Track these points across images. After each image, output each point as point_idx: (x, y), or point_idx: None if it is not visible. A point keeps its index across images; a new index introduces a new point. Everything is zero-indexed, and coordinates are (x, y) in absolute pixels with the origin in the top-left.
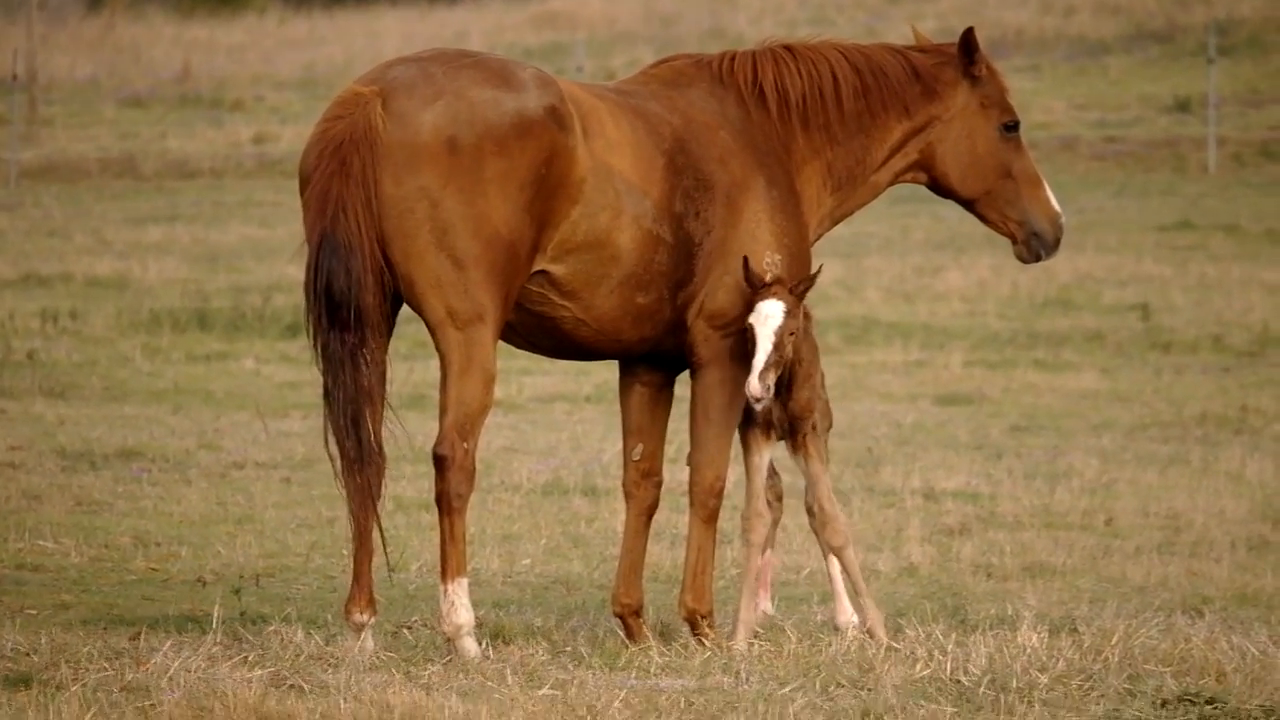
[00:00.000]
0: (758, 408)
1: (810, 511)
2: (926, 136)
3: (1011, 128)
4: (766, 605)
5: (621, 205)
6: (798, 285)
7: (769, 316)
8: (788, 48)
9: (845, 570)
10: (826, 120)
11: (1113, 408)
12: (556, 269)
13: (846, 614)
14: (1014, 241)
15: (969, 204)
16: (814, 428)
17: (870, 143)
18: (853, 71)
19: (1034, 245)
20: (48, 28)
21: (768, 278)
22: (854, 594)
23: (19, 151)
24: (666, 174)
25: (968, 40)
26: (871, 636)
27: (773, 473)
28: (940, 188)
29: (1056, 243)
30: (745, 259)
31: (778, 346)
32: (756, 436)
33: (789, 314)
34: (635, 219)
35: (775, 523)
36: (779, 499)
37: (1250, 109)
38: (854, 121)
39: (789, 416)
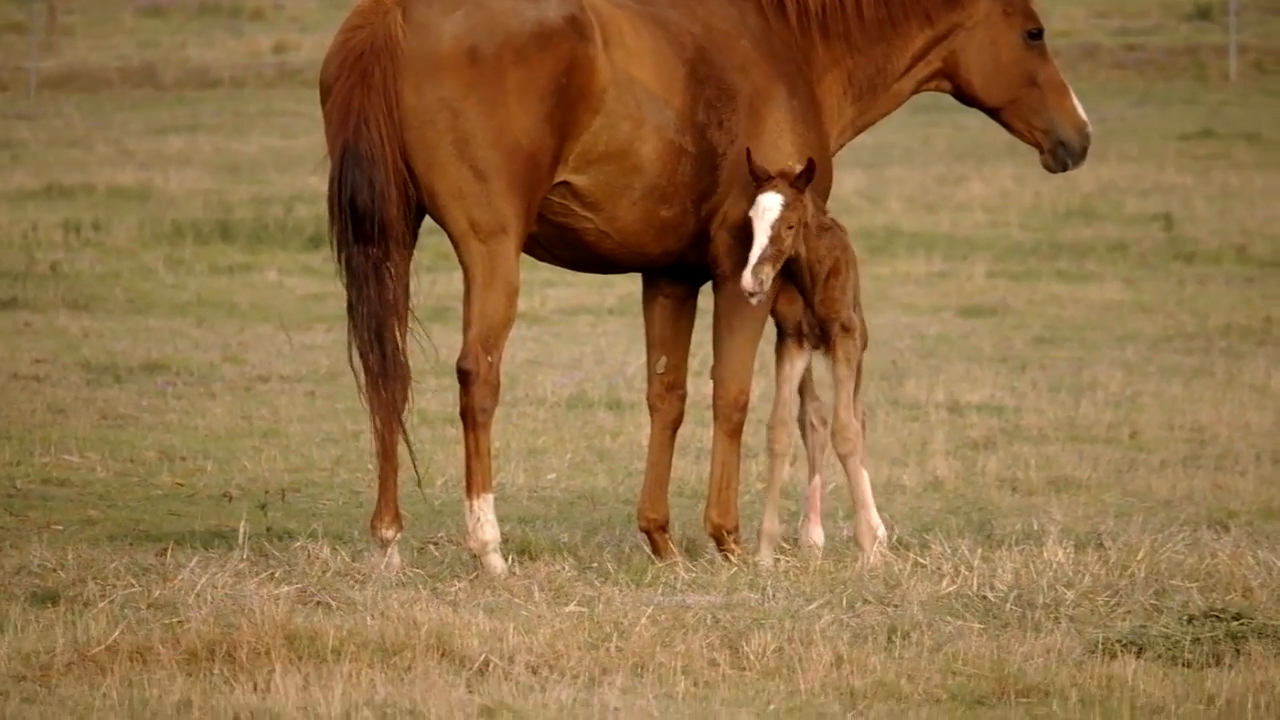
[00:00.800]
0: (753, 302)
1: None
2: (949, 44)
3: (1036, 35)
4: (817, 535)
5: (643, 115)
6: (798, 178)
7: (766, 209)
8: None
9: (849, 479)
10: (846, 29)
11: (1136, 319)
12: (578, 180)
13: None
14: (1040, 151)
15: (994, 112)
16: (844, 329)
17: (891, 51)
18: None
19: (1060, 154)
20: None
21: (772, 170)
22: (855, 505)
23: (39, 61)
24: (688, 83)
25: None
26: (859, 548)
27: (814, 396)
28: (964, 96)
29: (1083, 152)
30: (748, 150)
31: (774, 240)
32: (789, 346)
33: (787, 206)
34: (657, 129)
35: (821, 447)
36: (823, 423)
37: (1271, 16)
38: (874, 29)
39: (816, 319)
